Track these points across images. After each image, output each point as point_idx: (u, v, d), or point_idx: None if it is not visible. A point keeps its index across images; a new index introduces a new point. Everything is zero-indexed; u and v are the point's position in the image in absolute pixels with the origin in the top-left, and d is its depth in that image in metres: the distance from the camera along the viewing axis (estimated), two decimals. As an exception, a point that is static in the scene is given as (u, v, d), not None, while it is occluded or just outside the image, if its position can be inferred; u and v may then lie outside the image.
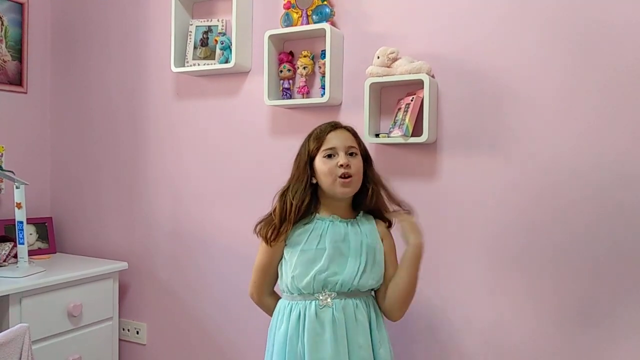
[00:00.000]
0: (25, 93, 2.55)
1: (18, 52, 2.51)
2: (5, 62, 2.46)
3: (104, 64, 2.51)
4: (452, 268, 1.79)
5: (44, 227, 2.52)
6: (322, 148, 1.47)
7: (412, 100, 1.74)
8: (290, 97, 2.02)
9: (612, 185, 1.57)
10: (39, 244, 2.49)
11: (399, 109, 1.78)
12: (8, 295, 1.87)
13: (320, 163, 1.47)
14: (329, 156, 1.46)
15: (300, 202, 1.46)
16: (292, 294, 1.48)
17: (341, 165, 1.43)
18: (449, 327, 1.80)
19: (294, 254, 1.47)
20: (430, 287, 1.82)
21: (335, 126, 1.52)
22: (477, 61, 1.74)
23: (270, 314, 1.57)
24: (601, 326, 1.59)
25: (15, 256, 2.14)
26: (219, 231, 2.21)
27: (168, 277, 2.36)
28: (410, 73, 1.72)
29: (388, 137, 1.78)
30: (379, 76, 1.77)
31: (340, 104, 1.96)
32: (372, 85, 1.79)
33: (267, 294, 1.59)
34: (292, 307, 1.47)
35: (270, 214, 1.51)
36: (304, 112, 2.02)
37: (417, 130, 1.74)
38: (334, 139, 1.48)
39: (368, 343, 1.43)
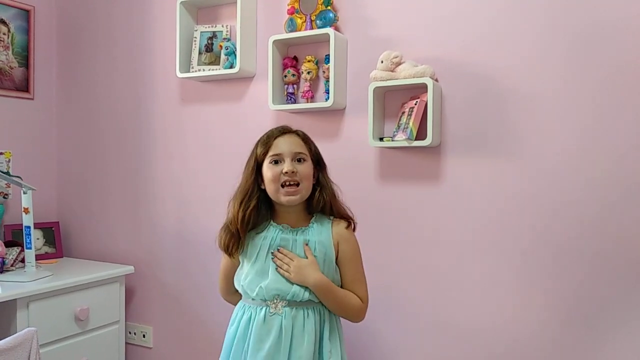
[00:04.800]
0: (32, 99, 2.58)
1: (25, 58, 2.53)
2: (12, 68, 2.48)
3: (110, 70, 2.53)
4: (457, 270, 1.79)
5: (50, 232, 2.54)
6: (269, 153, 1.44)
7: (416, 104, 1.75)
8: (295, 102, 2.03)
9: (617, 185, 1.57)
10: (46, 249, 2.51)
11: (403, 112, 1.79)
12: (16, 299, 1.88)
13: (266, 169, 1.44)
14: (275, 162, 1.43)
15: (245, 210, 1.43)
16: (247, 298, 1.48)
17: (285, 173, 1.40)
18: (454, 328, 1.80)
19: (247, 263, 1.47)
20: (435, 289, 1.83)
21: (283, 131, 1.48)
22: (481, 64, 1.74)
23: None
24: (606, 326, 1.59)
25: (23, 261, 2.15)
26: (224, 235, 2.22)
27: (174, 280, 2.37)
28: (413, 77, 1.73)
29: (392, 140, 1.79)
30: (383, 80, 1.78)
31: (344, 108, 1.97)
32: (376, 89, 1.80)
33: (231, 293, 1.59)
34: (245, 309, 1.47)
35: (227, 224, 1.48)
36: (309, 117, 2.03)
37: (421, 134, 1.74)
38: (281, 144, 1.44)
39: (310, 355, 1.39)
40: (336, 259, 1.47)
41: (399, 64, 1.77)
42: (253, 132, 2.13)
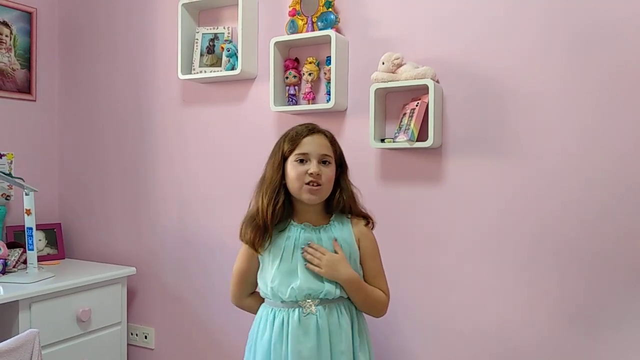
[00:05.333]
0: (34, 101, 2.58)
1: (27, 60, 2.54)
2: (14, 70, 2.49)
3: (112, 72, 2.53)
4: (458, 270, 1.79)
5: (52, 233, 2.55)
6: (296, 152, 1.44)
7: (417, 106, 1.75)
8: (296, 103, 2.03)
9: (617, 185, 1.57)
10: (48, 250, 2.51)
11: (404, 114, 1.79)
12: (18, 300, 1.88)
13: (290, 166, 1.44)
14: (301, 161, 1.43)
15: (274, 205, 1.43)
16: (275, 301, 1.46)
17: (311, 174, 1.41)
18: (455, 329, 1.80)
19: (270, 264, 1.46)
20: (435, 290, 1.83)
21: (312, 130, 1.48)
22: (481, 65, 1.75)
23: (254, 312, 1.56)
24: (608, 327, 1.59)
25: (25, 262, 2.15)
26: (226, 236, 2.22)
27: (176, 282, 2.37)
28: (415, 78, 1.73)
29: (393, 142, 1.79)
30: (384, 82, 1.78)
31: (346, 110, 1.97)
32: (377, 90, 1.80)
33: (245, 296, 1.59)
34: (275, 313, 1.45)
35: (254, 216, 1.47)
36: (310, 118, 2.03)
37: (422, 135, 1.75)
38: (308, 144, 1.44)
39: (350, 349, 1.42)
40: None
41: (400, 65, 1.78)
42: (254, 133, 2.16)
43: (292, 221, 1.48)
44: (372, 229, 1.54)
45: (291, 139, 1.46)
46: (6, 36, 2.45)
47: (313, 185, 1.42)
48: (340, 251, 1.44)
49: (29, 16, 2.54)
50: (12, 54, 2.48)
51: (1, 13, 2.43)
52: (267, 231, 1.44)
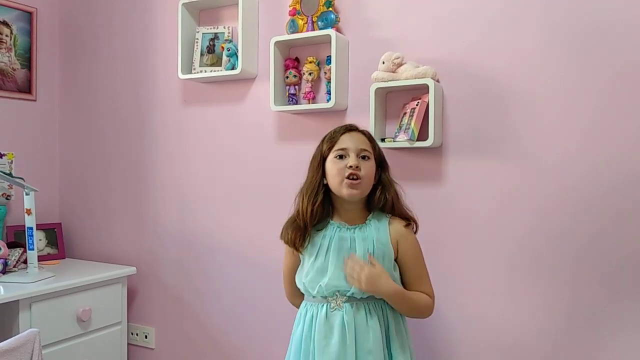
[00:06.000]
0: (34, 101, 2.58)
1: (27, 60, 2.54)
2: (14, 70, 2.49)
3: (112, 72, 2.53)
4: (458, 270, 1.79)
5: (53, 233, 2.55)
6: (334, 148, 1.46)
7: (417, 105, 1.75)
8: (297, 103, 2.03)
9: (617, 185, 1.57)
10: (48, 250, 2.51)
11: (405, 113, 1.79)
12: (18, 300, 1.89)
13: (330, 163, 1.46)
14: (340, 157, 1.45)
15: (313, 204, 1.46)
16: (308, 296, 1.50)
17: (350, 167, 1.42)
18: (455, 329, 1.80)
19: (308, 260, 1.49)
20: (436, 289, 1.82)
21: (350, 128, 1.51)
22: (482, 65, 1.74)
23: None
24: (607, 327, 1.59)
25: (25, 262, 2.16)
26: (226, 236, 2.23)
27: (176, 281, 2.37)
28: (415, 78, 1.73)
29: (394, 141, 1.79)
30: (384, 81, 1.78)
31: (346, 109, 1.97)
32: (378, 90, 1.80)
33: (297, 295, 1.59)
34: (307, 308, 1.49)
35: (294, 218, 1.50)
36: (310, 118, 2.04)
37: (422, 135, 1.74)
38: (347, 140, 1.47)
39: (379, 349, 1.40)
40: (396, 257, 1.47)
41: (400, 64, 1.78)
42: (254, 133, 2.16)
43: (330, 220, 1.50)
44: (414, 231, 1.51)
45: (330, 138, 1.49)
46: (6, 36, 2.45)
47: (353, 178, 1.42)
48: (377, 264, 1.41)
49: (29, 16, 2.54)
50: (12, 54, 2.48)
51: (1, 13, 2.43)
52: (306, 230, 1.47)
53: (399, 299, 1.43)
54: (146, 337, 2.44)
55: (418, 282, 1.49)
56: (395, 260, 1.47)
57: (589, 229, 1.61)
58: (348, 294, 1.42)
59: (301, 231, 1.47)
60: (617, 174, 1.57)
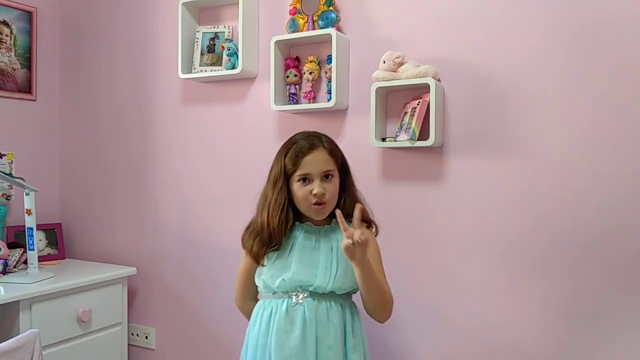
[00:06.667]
0: (35, 100, 2.58)
1: (27, 60, 2.54)
2: (14, 70, 2.49)
3: (112, 71, 2.53)
4: (460, 270, 1.79)
5: (53, 233, 2.54)
6: (297, 173, 1.44)
7: (418, 104, 1.74)
8: (297, 102, 2.03)
9: (618, 184, 1.57)
10: (49, 250, 2.51)
11: (406, 113, 1.79)
12: (18, 301, 1.88)
13: (296, 187, 1.45)
14: (304, 180, 1.44)
15: (286, 223, 1.46)
16: (267, 293, 1.49)
17: (315, 195, 1.42)
18: (455, 328, 1.80)
19: (269, 260, 1.49)
20: (437, 289, 1.82)
21: (312, 147, 1.46)
22: (483, 64, 1.74)
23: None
24: (607, 327, 1.59)
25: (25, 262, 2.15)
26: (227, 236, 2.22)
27: (177, 282, 2.37)
28: (416, 77, 1.73)
29: (395, 141, 1.78)
30: (385, 80, 1.77)
31: (347, 109, 1.97)
32: (379, 89, 1.79)
33: (250, 299, 1.60)
34: (265, 306, 1.49)
35: (257, 232, 1.50)
36: (311, 117, 2.03)
37: (423, 134, 1.74)
38: (309, 164, 1.44)
39: (339, 345, 1.41)
40: None
41: (401, 64, 1.77)
42: (255, 132, 2.16)
43: (297, 222, 1.51)
44: (375, 234, 1.55)
45: (292, 159, 1.45)
46: (6, 36, 2.45)
47: (318, 205, 1.44)
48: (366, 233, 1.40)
49: (29, 16, 2.53)
50: (13, 54, 2.48)
51: (1, 12, 2.43)
52: (271, 245, 1.48)
53: (372, 272, 1.39)
54: (147, 337, 2.44)
55: None
56: None
57: (590, 229, 1.60)
58: (310, 288, 1.42)
59: (265, 246, 1.48)
60: (617, 173, 1.57)
